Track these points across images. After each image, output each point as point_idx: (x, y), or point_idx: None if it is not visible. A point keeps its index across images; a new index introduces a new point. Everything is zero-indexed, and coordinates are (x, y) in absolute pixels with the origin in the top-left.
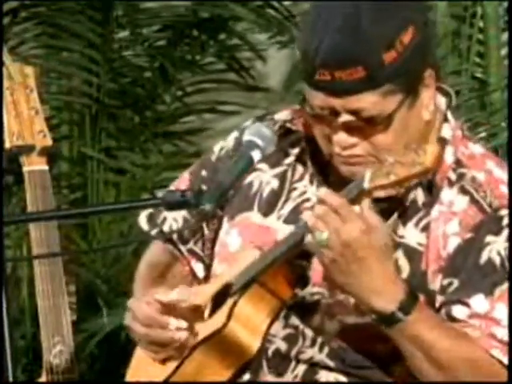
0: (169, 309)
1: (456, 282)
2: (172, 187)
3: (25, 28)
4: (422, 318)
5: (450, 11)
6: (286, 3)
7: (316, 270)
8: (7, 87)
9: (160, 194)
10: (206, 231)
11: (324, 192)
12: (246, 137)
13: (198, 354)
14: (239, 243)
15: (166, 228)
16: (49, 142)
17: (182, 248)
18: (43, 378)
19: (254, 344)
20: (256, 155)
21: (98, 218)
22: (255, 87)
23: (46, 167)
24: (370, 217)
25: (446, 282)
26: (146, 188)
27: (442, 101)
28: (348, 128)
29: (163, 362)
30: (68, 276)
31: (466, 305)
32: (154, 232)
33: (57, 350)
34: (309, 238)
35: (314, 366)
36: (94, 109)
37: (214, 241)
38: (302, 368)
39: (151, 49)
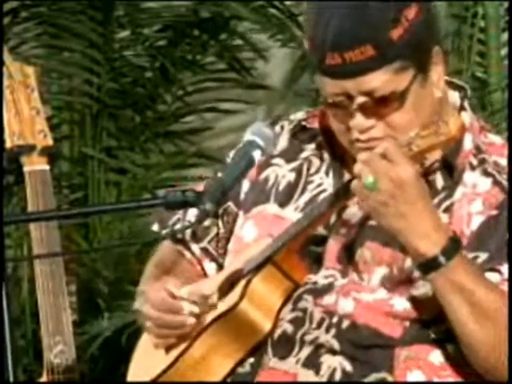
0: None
1: (484, 255)
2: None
3: (25, 28)
4: (463, 264)
5: (451, 11)
6: (287, 3)
7: (330, 252)
8: (7, 85)
9: (161, 193)
10: (222, 229)
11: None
12: (248, 136)
13: (209, 334)
14: (255, 234)
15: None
16: (49, 141)
17: (195, 247)
18: (44, 378)
19: (265, 325)
20: (257, 155)
21: (99, 217)
22: (256, 85)
23: (47, 167)
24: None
25: (471, 255)
26: (147, 188)
27: (455, 95)
28: (364, 111)
29: (167, 349)
30: (69, 276)
31: (498, 271)
32: (164, 232)
33: (57, 349)
34: (355, 183)
35: (318, 348)
36: (95, 109)
37: (228, 239)
38: (305, 351)
39: (152, 48)
